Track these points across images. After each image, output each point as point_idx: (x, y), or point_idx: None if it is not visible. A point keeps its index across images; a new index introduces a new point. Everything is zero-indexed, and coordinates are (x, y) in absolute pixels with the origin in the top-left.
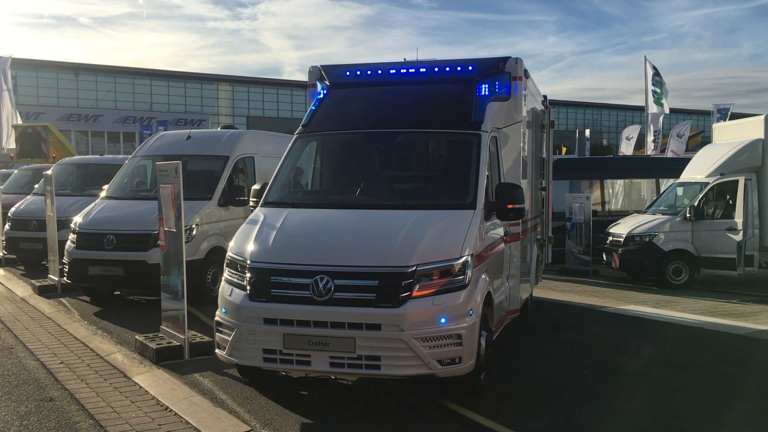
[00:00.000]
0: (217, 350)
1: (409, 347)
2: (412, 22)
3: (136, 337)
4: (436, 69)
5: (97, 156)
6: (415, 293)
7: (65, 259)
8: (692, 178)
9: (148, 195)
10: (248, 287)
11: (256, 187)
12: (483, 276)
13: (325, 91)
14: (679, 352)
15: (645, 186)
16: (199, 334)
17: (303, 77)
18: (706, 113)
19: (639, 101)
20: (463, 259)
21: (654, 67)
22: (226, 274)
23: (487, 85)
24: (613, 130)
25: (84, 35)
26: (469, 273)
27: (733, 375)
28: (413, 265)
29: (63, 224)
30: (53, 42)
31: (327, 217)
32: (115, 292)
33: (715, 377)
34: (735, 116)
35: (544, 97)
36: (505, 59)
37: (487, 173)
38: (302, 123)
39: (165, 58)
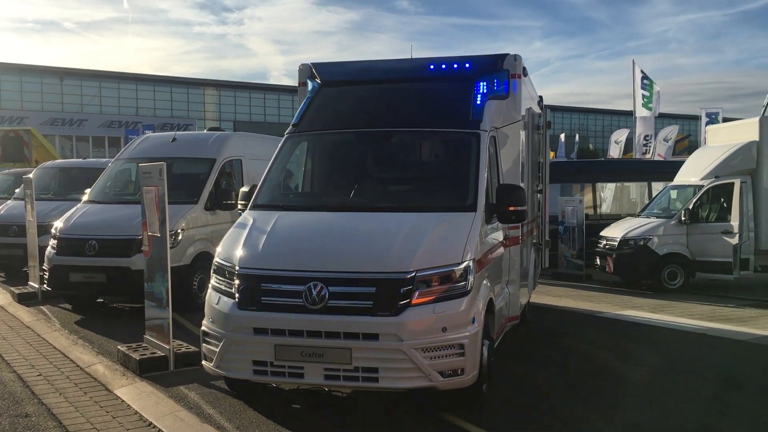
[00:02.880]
0: (203, 362)
1: (409, 358)
2: (399, 27)
3: (119, 347)
4: (432, 66)
5: (80, 159)
6: (414, 301)
7: (46, 266)
8: (686, 181)
9: (132, 199)
10: (237, 295)
11: (244, 189)
12: (485, 282)
13: (316, 90)
14: (685, 360)
15: (636, 189)
16: (185, 344)
17: (290, 82)
18: (692, 117)
19: (624, 106)
20: (465, 264)
21: (642, 71)
22: (214, 281)
23: (485, 83)
24: (599, 134)
25: (69, 40)
26: (471, 279)
27: (743, 383)
28: (412, 271)
29: (44, 229)
30: (38, 47)
31: (320, 220)
32: (98, 300)
33: (723, 386)
34: (723, 121)
35: (540, 98)
36: (503, 56)
37: (487, 174)
38: (292, 122)
39: (150, 62)
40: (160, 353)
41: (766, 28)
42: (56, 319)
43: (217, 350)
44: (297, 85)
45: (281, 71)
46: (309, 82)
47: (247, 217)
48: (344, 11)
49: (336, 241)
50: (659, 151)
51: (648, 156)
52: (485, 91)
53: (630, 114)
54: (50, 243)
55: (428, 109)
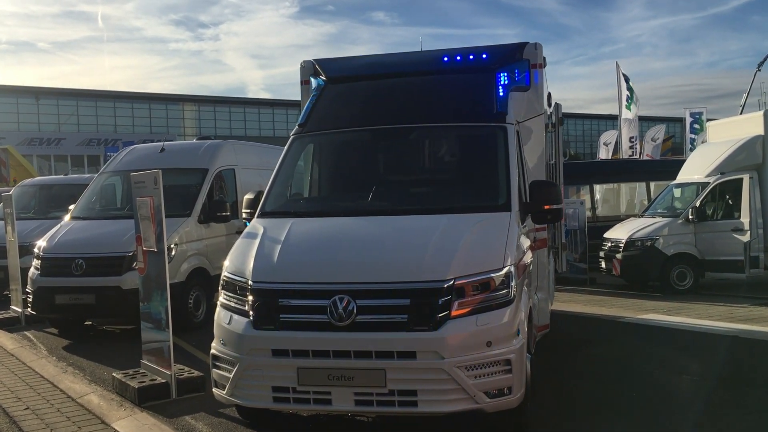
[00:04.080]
0: (215, 389)
1: (452, 378)
2: (375, 39)
3: (114, 374)
4: (446, 58)
5: (61, 176)
6: (454, 312)
7: (29, 288)
8: (690, 178)
9: (120, 214)
10: (251, 313)
11: (249, 196)
12: (524, 289)
13: (321, 87)
14: (730, 367)
15: (634, 190)
16: (186, 368)
17: (268, 96)
18: (670, 119)
19: (602, 110)
20: (506, 269)
21: (624, 74)
22: (223, 298)
23: (506, 74)
24: (579, 139)
25: (43, 60)
26: (513, 286)
27: None
28: (450, 279)
29: (26, 250)
30: (11, 67)
31: (339, 226)
32: (86, 323)
33: None
34: (707, 120)
35: (549, 94)
36: (523, 45)
37: (518, 170)
38: (298, 122)
39: (127, 80)
40: (160, 380)
41: (736, 30)
42: (42, 345)
43: (231, 376)
44: (279, 98)
45: (259, 85)
46: (312, 79)
47: (256, 225)
48: (320, 24)
49: (361, 248)
50: (647, 151)
51: (636, 157)
52: (506, 82)
53: (608, 117)
54: (33, 263)
55: (448, 103)
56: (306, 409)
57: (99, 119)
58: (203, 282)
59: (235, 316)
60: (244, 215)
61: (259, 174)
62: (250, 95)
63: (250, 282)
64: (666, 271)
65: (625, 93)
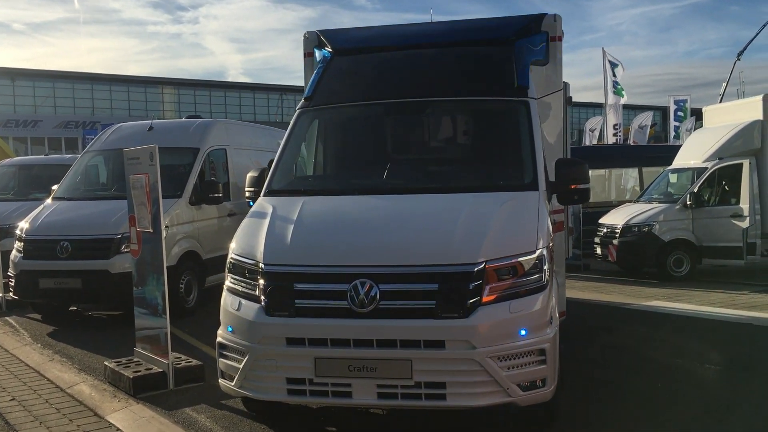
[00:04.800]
0: (222, 381)
1: (484, 369)
2: (356, 24)
3: (106, 363)
4: (460, 29)
5: (42, 156)
6: (485, 298)
7: (11, 272)
8: (686, 164)
9: (107, 194)
10: (263, 298)
11: (252, 174)
12: (553, 274)
13: (327, 59)
14: (751, 355)
15: (624, 176)
16: (183, 357)
17: (248, 80)
18: (652, 108)
19: (583, 98)
20: (539, 252)
21: (611, 58)
22: (229, 281)
23: (524, 47)
24: None
25: (19, 42)
26: (546, 270)
27: None
28: (481, 262)
29: (5, 233)
30: None
31: (356, 205)
32: (71, 308)
33: None
34: (692, 108)
35: None
36: (541, 16)
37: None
38: (305, 96)
39: (104, 63)
40: (156, 369)
41: (715, 20)
42: (25, 331)
43: (241, 366)
44: (260, 83)
45: (239, 70)
46: (317, 51)
47: (264, 204)
48: (301, 8)
49: (383, 229)
50: (635, 138)
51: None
52: (526, 54)
53: (590, 105)
54: (15, 246)
55: (465, 76)
56: (324, 402)
57: (76, 101)
58: (195, 266)
59: (245, 302)
60: (247, 194)
61: (251, 154)
62: (230, 80)
63: (261, 265)
64: (663, 258)
65: (611, 79)
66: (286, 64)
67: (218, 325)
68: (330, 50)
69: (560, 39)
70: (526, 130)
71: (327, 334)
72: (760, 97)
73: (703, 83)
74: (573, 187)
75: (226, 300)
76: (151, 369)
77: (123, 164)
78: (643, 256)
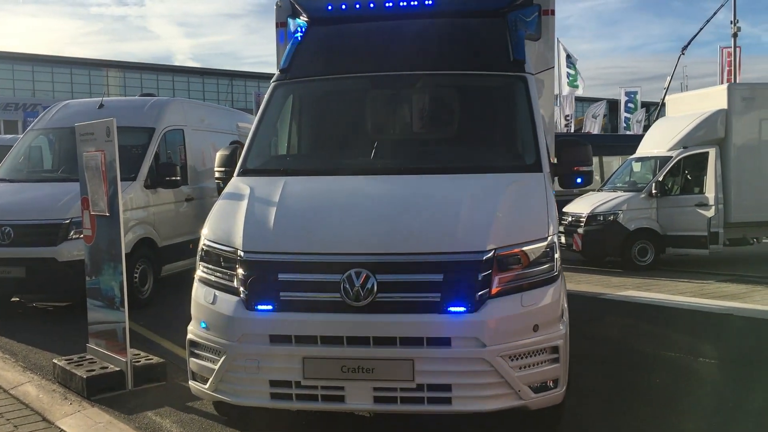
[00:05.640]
0: (193, 384)
1: (495, 370)
2: None
3: (55, 360)
4: (447, 0)
5: None
6: (494, 290)
7: None
8: (650, 152)
9: (53, 176)
10: (243, 290)
11: (223, 152)
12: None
13: (304, 29)
14: (740, 347)
15: None
16: (142, 353)
17: (197, 65)
18: (596, 100)
19: None
20: (550, 239)
21: (566, 50)
22: (202, 271)
23: (517, 19)
24: None
25: None
26: (557, 258)
27: None
28: (490, 250)
29: None
30: None
31: (346, 186)
32: (13, 299)
33: None
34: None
35: None
36: None
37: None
38: (280, 67)
39: (46, 44)
40: (113, 367)
41: (659, 15)
42: None
43: (216, 368)
44: (210, 67)
45: (187, 55)
46: (290, 21)
47: (239, 185)
48: None
49: (380, 212)
50: (589, 128)
51: (588, 131)
52: (519, 27)
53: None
54: None
55: (458, 49)
56: (313, 407)
57: (16, 83)
58: (150, 254)
59: (221, 294)
60: (217, 174)
61: (210, 136)
62: (177, 64)
63: (240, 252)
64: (627, 247)
65: (565, 70)
66: (236, 50)
67: (177, 316)
68: (306, 19)
69: (553, 13)
70: (525, 108)
71: (317, 331)
72: (724, 86)
73: (648, 77)
74: (576, 169)
75: (199, 292)
76: (106, 368)
77: (71, 144)
78: (608, 245)
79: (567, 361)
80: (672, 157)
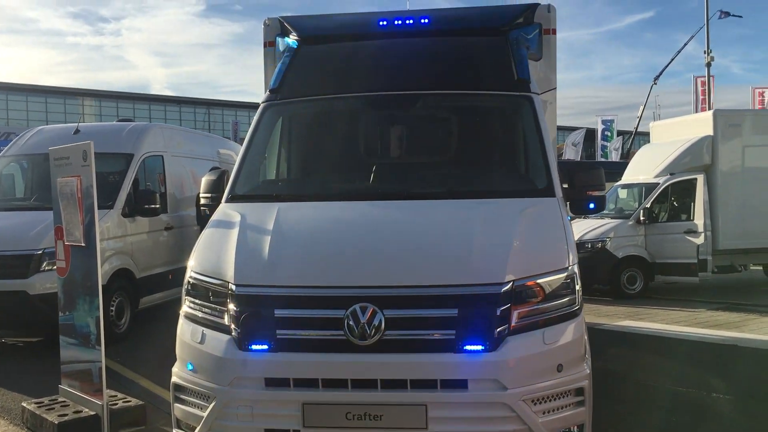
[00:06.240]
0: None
1: (517, 415)
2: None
3: (24, 404)
4: (444, 18)
5: None
6: (513, 325)
7: None
8: (636, 179)
9: (25, 204)
10: (234, 328)
11: (210, 177)
12: None
13: (294, 48)
14: (753, 381)
15: None
16: (120, 395)
17: (173, 94)
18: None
19: None
20: (570, 269)
21: None
22: (188, 306)
23: (519, 38)
24: None
25: None
26: (578, 291)
27: None
28: (508, 282)
29: None
30: None
31: (347, 213)
32: None
33: None
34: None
35: None
36: (534, 6)
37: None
38: (270, 87)
39: (20, 73)
40: (87, 411)
41: (629, 46)
42: None
43: (205, 415)
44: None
45: (163, 84)
46: (279, 40)
47: (228, 212)
48: (228, 23)
49: (387, 241)
50: (569, 155)
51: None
52: (521, 46)
53: None
54: None
55: (457, 67)
56: None
57: None
58: (127, 285)
59: (210, 333)
60: (203, 201)
61: (190, 163)
62: (154, 93)
63: (231, 285)
64: (616, 274)
65: None
66: (213, 79)
67: (157, 352)
68: (297, 38)
69: (554, 32)
70: (533, 129)
71: (318, 373)
72: (710, 113)
73: (619, 106)
74: (588, 194)
75: (185, 330)
76: (80, 411)
77: (45, 171)
78: (597, 272)
79: (591, 405)
80: (659, 183)
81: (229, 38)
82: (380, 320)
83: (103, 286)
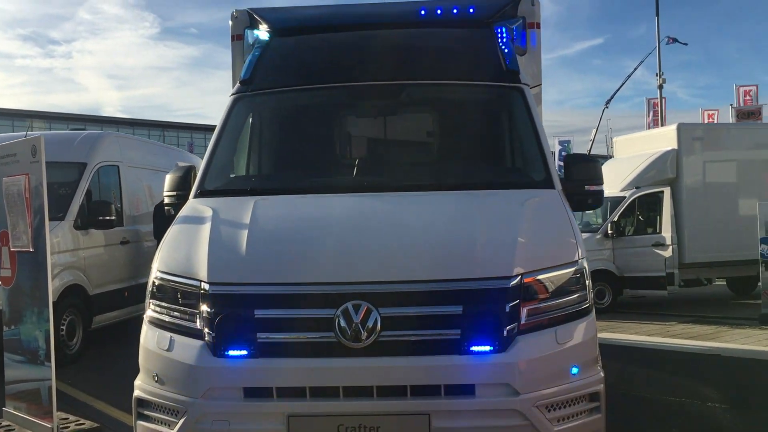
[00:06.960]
0: None
1: (531, 424)
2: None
3: None
4: (423, 11)
5: None
6: (523, 323)
7: None
8: None
9: None
10: (208, 332)
11: (175, 174)
12: None
13: (265, 41)
14: (745, 390)
15: None
16: (72, 417)
17: (126, 116)
18: None
19: None
20: (580, 263)
21: None
22: (153, 311)
23: (504, 30)
24: None
25: None
26: (589, 287)
27: None
28: (516, 276)
29: None
30: None
31: (333, 204)
32: None
33: None
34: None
35: None
36: None
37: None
38: (241, 78)
39: None
40: None
41: (580, 72)
42: None
43: None
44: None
45: (116, 107)
46: (248, 32)
47: (198, 207)
48: (182, 46)
49: (380, 233)
50: None
51: None
52: (507, 38)
53: None
54: None
55: (442, 58)
56: None
57: None
58: (79, 303)
59: (179, 338)
60: (167, 200)
61: (147, 174)
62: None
63: (204, 285)
64: None
65: None
66: (167, 102)
67: (113, 373)
68: (268, 30)
69: (538, 26)
70: (526, 120)
71: (305, 381)
72: (674, 127)
73: (572, 130)
74: (587, 188)
75: (149, 336)
76: None
77: None
78: None
79: (606, 412)
80: (626, 197)
81: (185, 61)
82: (375, 319)
83: (53, 303)
